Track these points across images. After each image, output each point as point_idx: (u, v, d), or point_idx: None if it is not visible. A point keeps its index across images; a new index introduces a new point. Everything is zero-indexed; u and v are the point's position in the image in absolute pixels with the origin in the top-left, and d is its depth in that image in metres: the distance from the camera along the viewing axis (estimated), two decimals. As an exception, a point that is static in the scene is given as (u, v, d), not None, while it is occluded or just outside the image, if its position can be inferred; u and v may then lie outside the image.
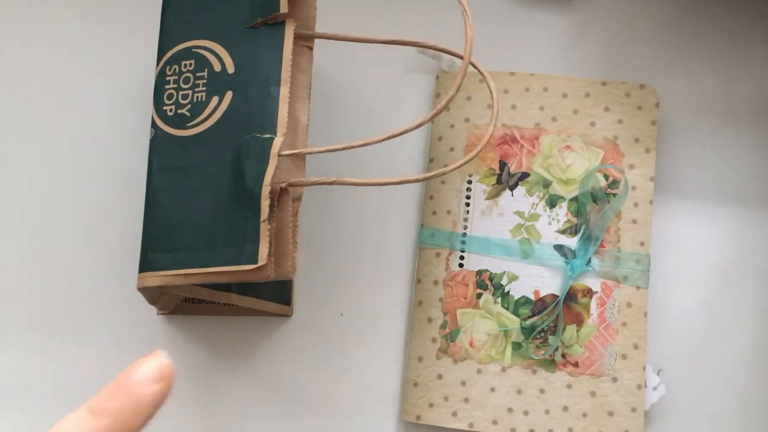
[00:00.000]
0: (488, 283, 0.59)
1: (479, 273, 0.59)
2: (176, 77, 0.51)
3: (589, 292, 0.58)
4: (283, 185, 0.46)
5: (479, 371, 0.58)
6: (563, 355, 0.58)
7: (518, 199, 0.60)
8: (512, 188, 0.60)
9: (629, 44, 0.65)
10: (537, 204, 0.60)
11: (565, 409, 0.57)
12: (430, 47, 0.54)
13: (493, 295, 0.59)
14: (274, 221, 0.46)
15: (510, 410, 0.57)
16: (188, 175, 0.49)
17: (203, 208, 0.48)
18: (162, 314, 0.60)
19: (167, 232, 0.49)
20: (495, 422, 0.57)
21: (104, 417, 0.36)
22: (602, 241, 0.59)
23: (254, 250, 0.46)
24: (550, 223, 0.60)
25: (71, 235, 0.62)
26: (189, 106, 0.50)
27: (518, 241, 0.59)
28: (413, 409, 0.58)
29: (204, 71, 0.50)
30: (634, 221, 0.59)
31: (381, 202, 0.62)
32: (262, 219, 0.46)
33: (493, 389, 0.57)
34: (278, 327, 0.60)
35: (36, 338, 0.60)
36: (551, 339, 0.58)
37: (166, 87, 0.51)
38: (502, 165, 0.61)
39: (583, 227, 0.59)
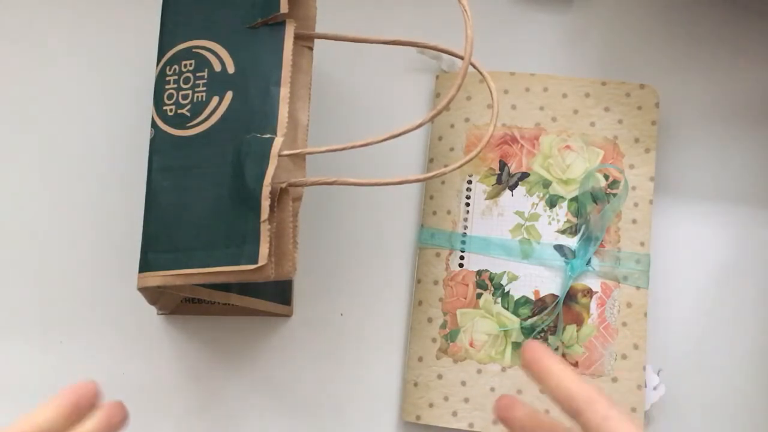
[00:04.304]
0: (488, 283, 0.59)
1: (479, 273, 0.59)
2: (176, 77, 0.51)
3: (589, 292, 0.58)
4: (284, 185, 0.46)
5: (479, 371, 0.58)
6: (563, 355, 0.58)
7: (518, 199, 0.60)
8: (512, 188, 0.60)
9: (629, 44, 0.65)
10: (537, 204, 0.60)
11: (565, 409, 0.57)
12: (430, 47, 0.54)
13: (493, 295, 0.59)
14: (274, 221, 0.46)
15: (510, 410, 0.57)
16: (188, 175, 0.49)
17: (203, 208, 0.48)
18: (162, 314, 0.60)
19: (167, 232, 0.49)
20: (495, 422, 0.57)
21: None
22: (602, 241, 0.59)
23: (254, 250, 0.46)
24: (550, 223, 0.60)
25: (71, 236, 0.62)
26: (189, 106, 0.50)
27: (518, 241, 0.59)
28: (413, 409, 0.58)
29: (204, 71, 0.50)
30: (634, 221, 0.59)
31: (381, 202, 0.62)
32: (262, 219, 0.46)
33: (493, 389, 0.57)
34: (278, 327, 0.60)
35: (37, 338, 0.60)
36: (551, 339, 0.58)
37: (166, 87, 0.51)
38: (502, 165, 0.61)
39: (583, 227, 0.59)
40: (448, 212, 0.60)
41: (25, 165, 0.63)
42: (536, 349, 0.43)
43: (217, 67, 0.50)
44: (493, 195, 0.60)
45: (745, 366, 0.59)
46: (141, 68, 0.63)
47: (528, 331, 0.58)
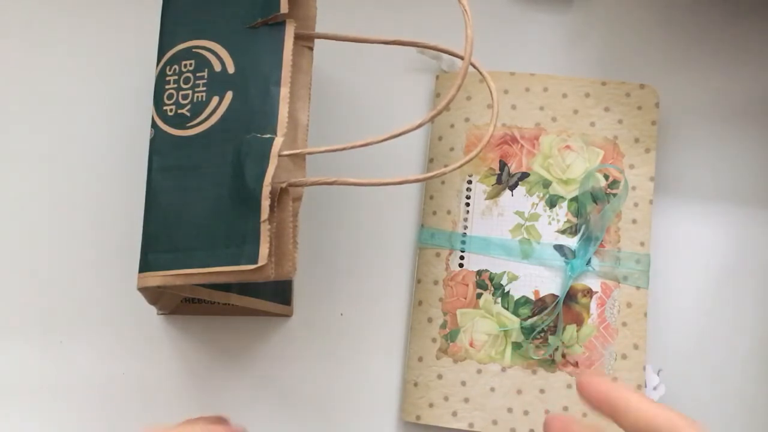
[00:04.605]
0: (488, 283, 0.59)
1: (479, 273, 0.59)
2: (176, 77, 0.51)
3: (589, 292, 0.58)
4: (284, 185, 0.46)
5: (479, 371, 0.58)
6: (563, 355, 0.58)
7: (518, 199, 0.60)
8: (512, 188, 0.60)
9: (629, 44, 0.65)
10: (537, 204, 0.60)
11: (565, 409, 0.57)
12: (430, 47, 0.54)
13: (493, 295, 0.59)
14: (274, 221, 0.46)
15: (510, 410, 0.57)
16: (188, 175, 0.49)
17: (203, 208, 0.48)
18: (162, 314, 0.60)
19: (167, 232, 0.49)
20: (495, 422, 0.57)
21: None
22: (602, 241, 0.59)
23: (254, 250, 0.46)
24: (550, 223, 0.60)
25: (71, 236, 0.62)
26: (189, 106, 0.50)
27: (518, 241, 0.59)
28: (413, 409, 0.58)
29: (204, 71, 0.50)
30: (634, 221, 0.59)
31: (381, 202, 0.62)
32: (262, 219, 0.46)
33: (493, 389, 0.57)
34: (278, 327, 0.60)
35: (36, 338, 0.60)
36: (551, 339, 0.58)
37: (166, 87, 0.51)
38: (502, 165, 0.61)
39: (583, 227, 0.59)
40: (448, 212, 0.60)
41: (25, 165, 0.63)
42: (598, 383, 0.40)
43: (217, 67, 0.50)
44: (493, 195, 0.60)
45: (745, 366, 0.59)
46: (141, 68, 0.63)
47: (528, 331, 0.58)
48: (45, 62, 0.65)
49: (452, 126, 0.62)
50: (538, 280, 0.59)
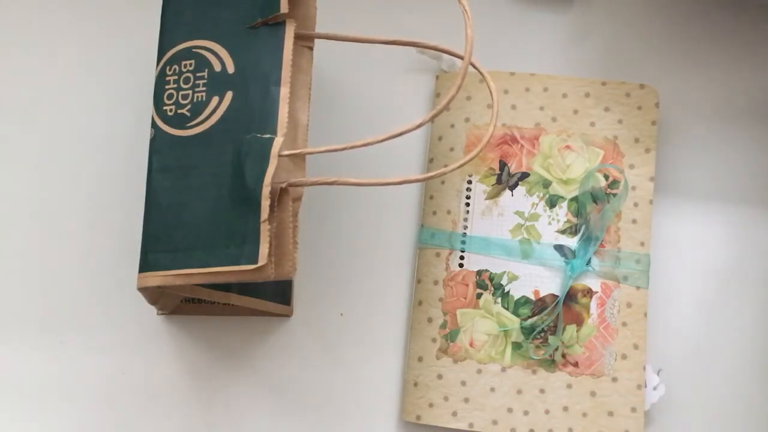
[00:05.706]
0: (488, 283, 0.59)
1: (479, 273, 0.59)
2: (176, 77, 0.51)
3: (589, 292, 0.58)
4: (284, 185, 0.46)
5: (479, 371, 0.58)
6: (563, 355, 0.58)
7: (518, 199, 0.60)
8: (512, 188, 0.60)
9: (629, 44, 0.65)
10: (537, 204, 0.60)
11: (565, 409, 0.57)
12: (430, 47, 0.54)
13: (493, 295, 0.59)
14: (274, 221, 0.46)
15: (510, 410, 0.57)
16: (188, 175, 0.49)
17: (203, 208, 0.48)
18: (162, 314, 0.60)
19: (167, 232, 0.49)
20: (495, 422, 0.57)
21: None
22: (602, 241, 0.59)
23: (254, 250, 0.46)
24: (550, 223, 0.60)
25: (71, 236, 0.62)
26: (189, 106, 0.50)
27: (518, 241, 0.59)
28: (413, 409, 0.58)
29: (204, 71, 0.50)
30: (634, 221, 0.59)
31: (381, 202, 0.62)
32: (262, 219, 0.46)
33: (493, 389, 0.57)
34: (278, 327, 0.60)
35: (36, 338, 0.60)
36: (551, 339, 0.58)
37: (167, 87, 0.51)
38: (502, 165, 0.61)
39: (583, 227, 0.59)
40: (448, 212, 0.60)
41: (25, 165, 0.63)
42: None
43: (217, 67, 0.50)
44: (493, 195, 0.60)
45: (745, 366, 0.59)
46: (141, 68, 0.63)
47: (528, 331, 0.58)
48: (45, 62, 0.65)
49: (452, 126, 0.62)
50: (538, 280, 0.59)
